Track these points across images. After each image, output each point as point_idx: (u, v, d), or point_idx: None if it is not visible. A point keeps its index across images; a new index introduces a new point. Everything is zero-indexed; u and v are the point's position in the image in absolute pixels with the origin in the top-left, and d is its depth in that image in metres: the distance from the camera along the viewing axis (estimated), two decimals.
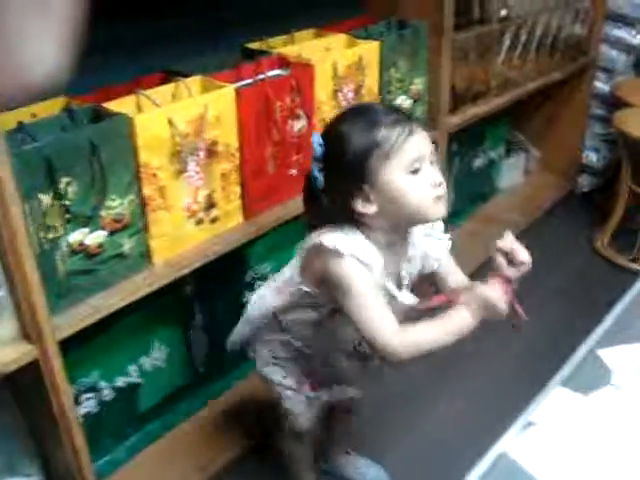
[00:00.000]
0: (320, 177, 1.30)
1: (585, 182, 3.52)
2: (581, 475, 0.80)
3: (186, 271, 1.63)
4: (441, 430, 2.07)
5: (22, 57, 0.43)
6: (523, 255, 1.27)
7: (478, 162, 3.15)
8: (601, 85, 3.36)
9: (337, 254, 1.24)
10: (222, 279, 2.02)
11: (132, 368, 1.89)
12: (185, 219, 1.61)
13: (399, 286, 1.39)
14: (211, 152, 1.60)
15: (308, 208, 1.40)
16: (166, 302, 1.89)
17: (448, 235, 1.44)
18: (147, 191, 1.52)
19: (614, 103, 3.12)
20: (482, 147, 3.15)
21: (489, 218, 3.20)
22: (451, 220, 3.07)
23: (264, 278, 2.13)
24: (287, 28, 2.06)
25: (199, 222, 1.65)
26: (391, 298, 1.35)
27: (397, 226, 1.31)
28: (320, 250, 1.28)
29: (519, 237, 3.25)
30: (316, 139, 1.30)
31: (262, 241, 1.98)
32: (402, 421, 2.11)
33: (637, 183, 2.92)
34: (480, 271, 2.87)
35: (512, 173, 3.47)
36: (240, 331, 1.61)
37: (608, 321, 1.04)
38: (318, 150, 1.29)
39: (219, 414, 2.07)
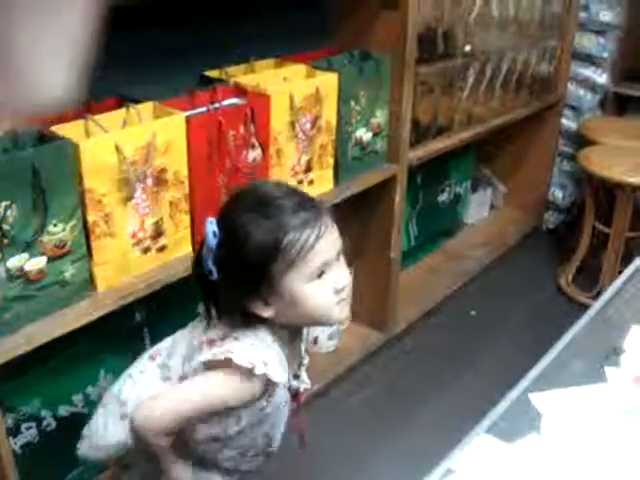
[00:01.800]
0: (214, 270, 1.17)
1: (551, 219, 3.53)
2: None
3: (131, 299, 1.60)
4: None
5: (33, 77, 0.42)
6: None
7: (443, 197, 3.15)
8: (568, 122, 3.39)
9: (250, 375, 1.15)
10: (173, 308, 1.98)
11: (77, 397, 1.84)
12: (131, 247, 1.58)
13: (299, 367, 1.35)
14: (159, 180, 1.58)
15: (203, 297, 1.28)
16: (116, 330, 1.86)
17: None
18: (92, 217, 1.48)
19: (581, 141, 3.14)
20: (448, 181, 3.15)
21: (454, 253, 3.19)
22: (414, 254, 3.07)
23: None
24: (251, 57, 2.05)
25: (146, 250, 1.61)
26: (291, 392, 1.34)
27: (297, 326, 1.26)
28: (229, 366, 1.16)
29: (483, 274, 3.26)
30: (210, 227, 1.16)
31: None
32: None
33: (601, 221, 2.93)
34: (441, 307, 2.87)
35: (478, 208, 3.47)
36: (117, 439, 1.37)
37: (542, 363, 1.02)
38: (212, 241, 1.16)
39: None
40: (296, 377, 1.35)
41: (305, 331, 1.34)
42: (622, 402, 0.97)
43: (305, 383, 1.37)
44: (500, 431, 0.90)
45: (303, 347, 1.34)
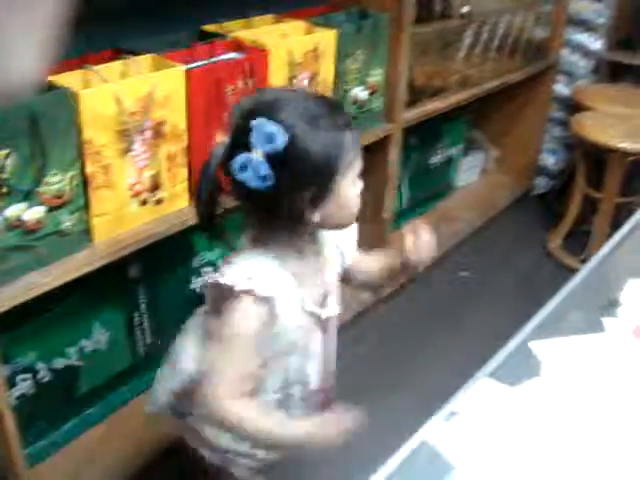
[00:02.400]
0: (273, 176, 1.04)
1: (541, 184, 3.55)
2: (499, 464, 0.79)
3: (128, 251, 1.60)
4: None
5: (6, 59, 0.43)
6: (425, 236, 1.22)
7: (436, 159, 3.16)
8: (561, 88, 3.39)
9: (232, 293, 1.08)
10: (169, 263, 1.99)
11: (72, 350, 1.85)
12: (129, 199, 1.58)
13: (326, 295, 1.26)
14: (158, 132, 1.57)
15: (246, 208, 1.20)
16: (110, 284, 1.86)
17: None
18: (90, 168, 1.48)
19: (573, 107, 3.15)
20: (441, 144, 3.15)
21: (444, 216, 3.21)
22: (406, 216, 3.08)
23: (211, 264, 2.10)
24: (249, 13, 2.03)
25: (143, 203, 1.61)
26: (316, 320, 1.23)
27: (321, 230, 1.22)
28: (217, 289, 1.12)
29: (473, 236, 3.28)
30: (273, 127, 1.02)
31: None
32: None
33: (591, 186, 2.95)
34: (432, 268, 2.89)
35: (469, 172, 3.48)
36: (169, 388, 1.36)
37: (541, 314, 1.04)
38: (278, 142, 1.02)
39: None
40: (323, 305, 1.26)
41: (334, 254, 1.28)
42: (621, 351, 0.99)
43: (332, 310, 1.27)
44: (502, 376, 0.92)
45: (328, 269, 1.27)
